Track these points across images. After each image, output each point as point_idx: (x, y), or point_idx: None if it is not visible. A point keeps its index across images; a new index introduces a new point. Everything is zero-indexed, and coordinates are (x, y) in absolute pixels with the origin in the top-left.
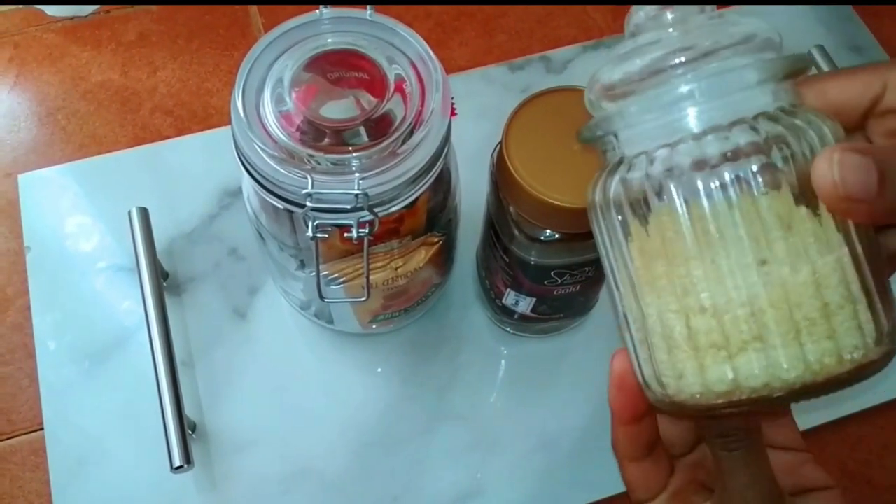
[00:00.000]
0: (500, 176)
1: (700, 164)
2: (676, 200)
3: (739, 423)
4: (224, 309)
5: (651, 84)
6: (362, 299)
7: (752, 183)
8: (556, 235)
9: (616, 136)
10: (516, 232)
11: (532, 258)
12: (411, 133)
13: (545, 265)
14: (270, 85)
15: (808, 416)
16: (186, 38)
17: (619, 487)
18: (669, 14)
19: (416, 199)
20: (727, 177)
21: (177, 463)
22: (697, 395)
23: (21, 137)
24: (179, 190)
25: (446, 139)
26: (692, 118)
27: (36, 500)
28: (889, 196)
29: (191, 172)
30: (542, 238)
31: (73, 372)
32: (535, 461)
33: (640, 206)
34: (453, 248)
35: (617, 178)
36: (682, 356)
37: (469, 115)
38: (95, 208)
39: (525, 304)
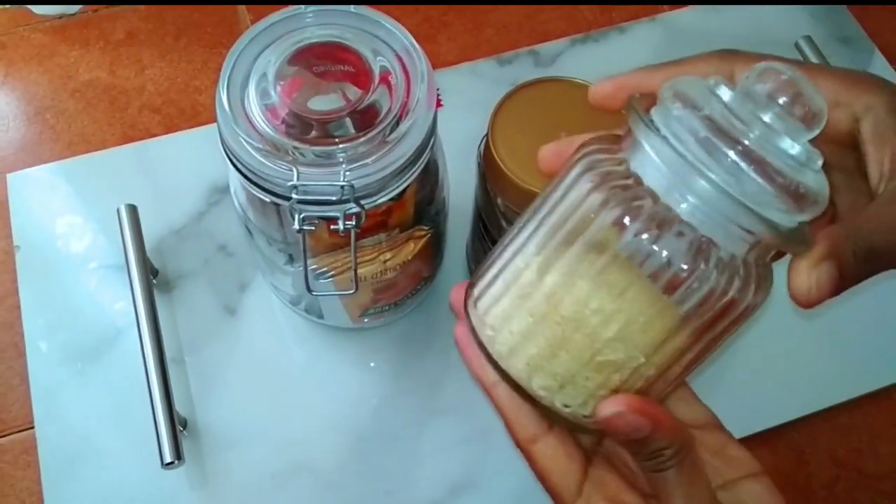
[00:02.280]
0: (488, 167)
1: (658, 228)
2: (618, 235)
3: (663, 442)
4: (214, 305)
5: (701, 141)
6: (351, 292)
7: (660, 274)
8: None
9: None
10: (504, 223)
11: None
12: (397, 124)
13: None
14: (255, 79)
15: (800, 404)
16: (174, 37)
17: None
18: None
19: (404, 191)
20: (658, 258)
21: (167, 459)
22: (497, 355)
23: (9, 137)
24: (168, 187)
25: (432, 130)
26: (687, 206)
27: (27, 498)
28: (847, 279)
29: (179, 170)
30: None
31: (64, 370)
32: None
33: (602, 208)
34: (442, 241)
35: (609, 169)
36: (513, 323)
37: (458, 110)
38: (84, 207)
39: None
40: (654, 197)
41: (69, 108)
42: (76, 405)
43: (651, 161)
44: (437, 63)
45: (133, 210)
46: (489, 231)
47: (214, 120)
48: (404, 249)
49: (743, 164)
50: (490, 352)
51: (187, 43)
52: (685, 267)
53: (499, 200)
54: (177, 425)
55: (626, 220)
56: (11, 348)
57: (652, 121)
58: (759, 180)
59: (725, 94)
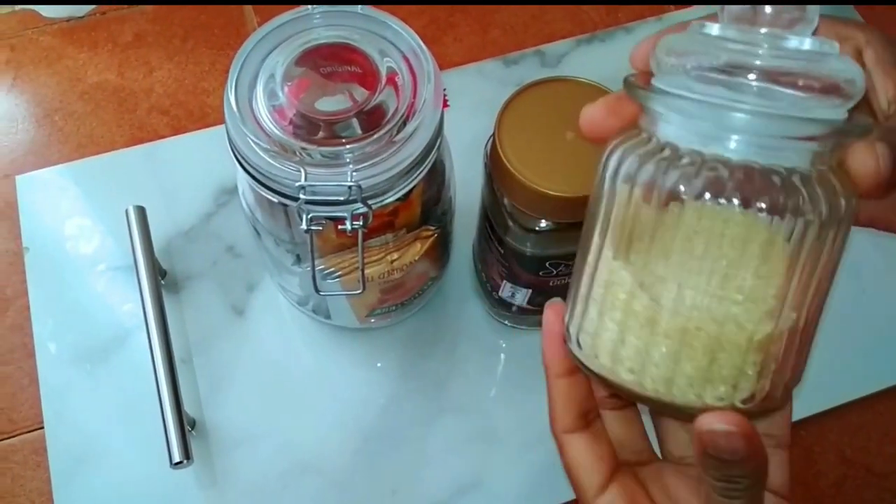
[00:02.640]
0: (494, 167)
1: (717, 187)
2: (684, 203)
3: (746, 470)
4: (222, 306)
5: (718, 82)
6: (358, 292)
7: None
8: (551, 225)
9: (658, 112)
10: (511, 223)
11: (527, 249)
12: (404, 124)
13: (540, 256)
14: (263, 80)
15: (809, 402)
16: (182, 38)
17: None
18: (767, 12)
19: (411, 191)
20: (735, 208)
21: (176, 459)
22: (599, 366)
23: (19, 139)
24: (177, 189)
25: (439, 130)
26: (733, 143)
27: (37, 498)
28: None
29: (188, 171)
30: (537, 228)
31: (73, 371)
32: (535, 453)
33: (653, 186)
34: (449, 241)
35: (641, 151)
36: (608, 324)
37: (464, 110)
38: (93, 208)
39: (521, 296)
40: (699, 155)
41: (78, 110)
42: (85, 405)
43: (679, 122)
44: (443, 64)
45: (141, 211)
46: (495, 231)
47: (222, 121)
48: (411, 250)
49: (767, 83)
50: (638, 393)
51: (195, 45)
52: (763, 206)
53: (505, 200)
54: (185, 425)
55: (683, 188)
56: (21, 349)
57: (660, 87)
58: (789, 91)
59: (714, 29)
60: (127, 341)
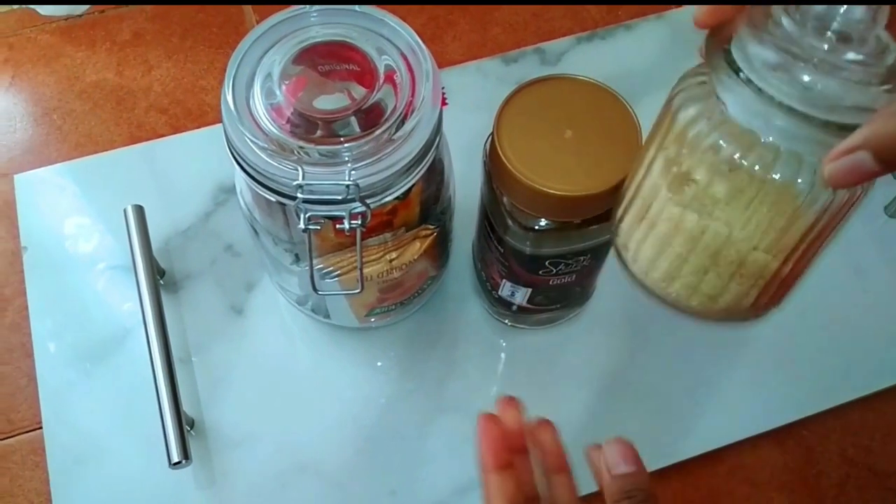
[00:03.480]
0: (493, 166)
1: (765, 163)
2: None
3: (639, 483)
4: (221, 305)
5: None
6: (356, 292)
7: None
8: (551, 224)
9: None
10: (510, 222)
11: (527, 248)
12: (402, 122)
13: (540, 255)
14: (260, 78)
15: (811, 401)
16: (180, 37)
17: None
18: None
19: (409, 189)
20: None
21: (175, 459)
22: (641, 274)
23: (17, 138)
24: (175, 187)
25: (437, 129)
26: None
27: (35, 498)
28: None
29: (186, 170)
30: (537, 227)
31: (72, 371)
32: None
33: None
34: (448, 240)
35: (716, 120)
36: (652, 239)
37: (464, 108)
38: (91, 207)
39: (521, 295)
40: (755, 135)
41: (76, 108)
42: (84, 406)
43: (744, 106)
44: (443, 62)
45: (140, 210)
46: (495, 230)
47: (221, 120)
48: (410, 249)
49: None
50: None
51: (193, 43)
52: (777, 177)
53: (505, 199)
54: (184, 425)
55: (743, 161)
56: (19, 349)
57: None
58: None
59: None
60: (126, 341)
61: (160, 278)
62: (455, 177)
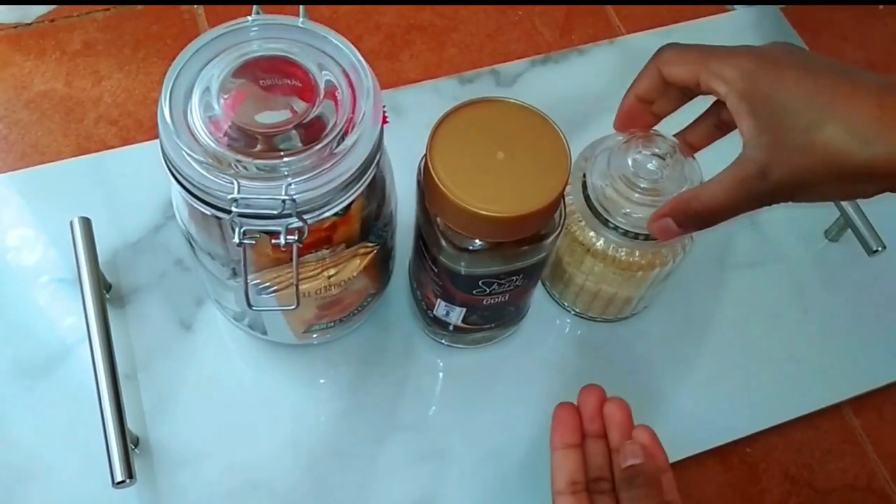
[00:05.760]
0: (427, 187)
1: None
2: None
3: (640, 470)
4: (169, 320)
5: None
6: (292, 308)
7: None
8: (485, 245)
9: None
10: (444, 242)
11: (461, 268)
12: (343, 138)
13: (474, 275)
14: (198, 91)
15: (754, 419)
16: (133, 48)
17: None
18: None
19: (349, 206)
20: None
21: (118, 478)
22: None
23: None
24: (124, 200)
25: (378, 146)
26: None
27: None
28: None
29: (136, 182)
30: (471, 248)
31: (13, 387)
32: (486, 471)
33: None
34: (390, 257)
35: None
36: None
37: (419, 127)
38: (36, 219)
39: (456, 315)
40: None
41: (23, 118)
42: (25, 422)
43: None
44: (399, 80)
45: (87, 223)
46: (429, 250)
47: None
48: (350, 265)
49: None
50: None
51: (146, 54)
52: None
53: (438, 220)
54: (128, 443)
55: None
56: None
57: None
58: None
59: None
60: (69, 356)
61: (107, 292)
62: (404, 195)
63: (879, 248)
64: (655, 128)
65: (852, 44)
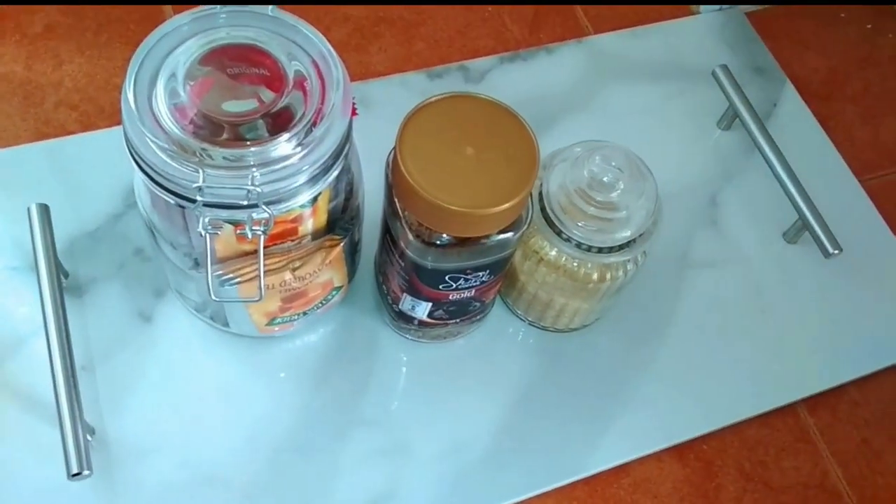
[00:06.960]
0: (395, 181)
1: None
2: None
3: None
4: (128, 311)
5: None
6: (256, 300)
7: None
8: (452, 240)
9: None
10: (411, 237)
11: (428, 262)
12: (311, 129)
13: (440, 269)
14: (164, 78)
15: (710, 417)
16: (95, 32)
17: (532, 490)
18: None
19: (316, 198)
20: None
21: (73, 470)
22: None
23: None
24: (84, 187)
25: (347, 137)
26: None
27: None
28: None
29: (96, 169)
30: (438, 242)
31: None
32: (447, 465)
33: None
34: (356, 250)
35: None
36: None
37: (387, 120)
38: None
39: (422, 310)
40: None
41: None
42: None
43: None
44: (367, 73)
45: (45, 209)
46: (396, 244)
47: None
48: (315, 258)
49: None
50: None
51: (108, 39)
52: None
53: (406, 214)
54: (84, 434)
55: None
56: None
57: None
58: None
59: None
60: (25, 345)
61: (64, 280)
62: (371, 188)
63: (836, 251)
64: (612, 139)
65: (814, 51)
